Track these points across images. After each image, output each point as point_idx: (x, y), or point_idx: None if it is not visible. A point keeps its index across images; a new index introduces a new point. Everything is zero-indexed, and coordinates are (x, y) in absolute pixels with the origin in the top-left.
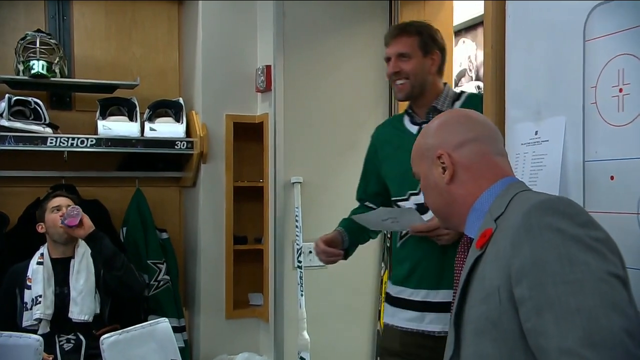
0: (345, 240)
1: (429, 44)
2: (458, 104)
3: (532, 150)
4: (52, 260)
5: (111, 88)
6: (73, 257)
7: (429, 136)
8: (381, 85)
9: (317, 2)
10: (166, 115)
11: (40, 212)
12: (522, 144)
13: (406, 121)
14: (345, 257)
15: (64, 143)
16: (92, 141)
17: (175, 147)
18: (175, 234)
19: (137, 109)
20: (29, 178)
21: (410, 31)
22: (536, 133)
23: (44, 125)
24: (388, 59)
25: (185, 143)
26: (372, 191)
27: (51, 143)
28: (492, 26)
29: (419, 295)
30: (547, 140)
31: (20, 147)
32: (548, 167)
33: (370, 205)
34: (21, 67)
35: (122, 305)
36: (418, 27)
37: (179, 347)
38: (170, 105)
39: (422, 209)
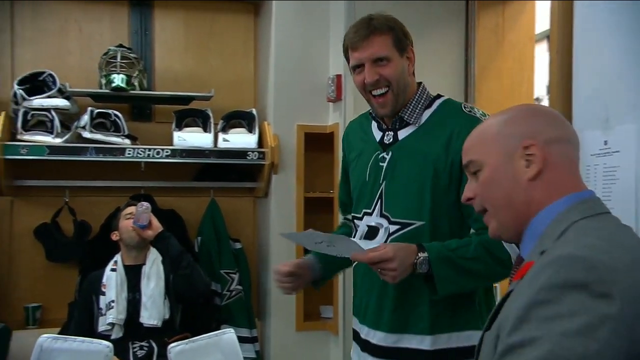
0: (316, 269)
1: (403, 39)
2: (429, 111)
3: (602, 162)
4: (125, 267)
5: (187, 100)
6: (144, 263)
7: (513, 122)
8: (458, 93)
9: (389, 10)
10: (239, 126)
11: (115, 221)
12: (591, 155)
13: (373, 125)
14: (316, 285)
15: (140, 154)
16: (167, 152)
17: (247, 157)
18: (249, 244)
19: (212, 120)
20: (110, 188)
21: (381, 28)
22: (605, 143)
23: (123, 137)
24: (357, 67)
25: (257, 154)
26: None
27: (129, 154)
28: (559, 29)
29: (362, 331)
30: (619, 151)
31: (100, 158)
32: (622, 180)
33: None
34: (103, 81)
35: (195, 314)
36: (386, 21)
37: (250, 358)
38: (243, 116)
39: (372, 232)
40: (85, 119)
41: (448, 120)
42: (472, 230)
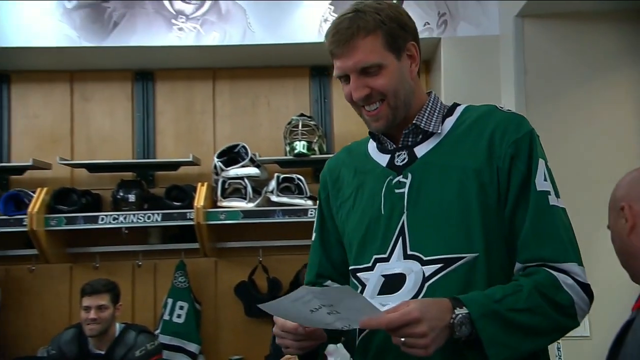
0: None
1: (399, 35)
2: (450, 120)
3: None
4: None
5: None
6: None
7: (619, 188)
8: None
9: (561, 56)
10: None
11: (302, 277)
12: None
13: (371, 149)
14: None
15: None
16: None
17: None
18: None
19: None
20: (297, 246)
21: (367, 27)
22: None
23: (305, 198)
24: (342, 77)
25: None
26: (338, 260)
27: (311, 214)
28: None
29: None
30: None
31: (287, 219)
32: None
33: (334, 285)
34: (287, 148)
35: None
36: (375, 13)
37: None
38: None
39: (394, 283)
40: (273, 184)
41: (483, 120)
42: (517, 265)
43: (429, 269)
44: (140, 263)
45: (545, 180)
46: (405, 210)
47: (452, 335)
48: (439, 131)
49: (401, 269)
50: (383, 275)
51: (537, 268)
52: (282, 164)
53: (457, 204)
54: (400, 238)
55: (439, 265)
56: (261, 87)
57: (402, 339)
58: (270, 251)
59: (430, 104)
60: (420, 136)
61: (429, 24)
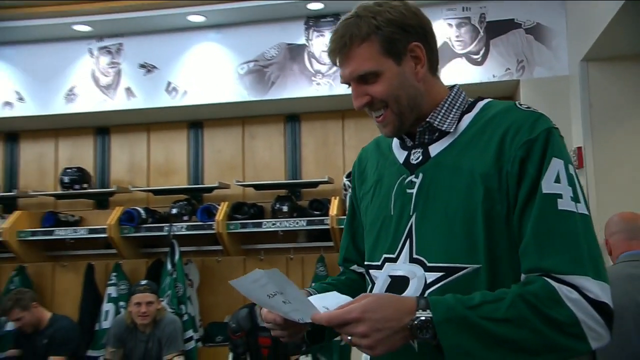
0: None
1: (398, 38)
2: (468, 117)
3: None
4: None
5: None
6: None
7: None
8: None
9: (622, 93)
10: None
11: None
12: None
13: (394, 144)
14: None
15: None
16: None
17: None
18: None
19: None
20: None
21: (360, 34)
22: None
23: None
24: (347, 83)
25: None
26: (362, 247)
27: None
28: None
29: None
30: None
31: None
32: None
33: (360, 270)
34: None
35: None
36: (372, 16)
37: None
38: None
39: (398, 286)
40: None
41: (498, 119)
42: (522, 277)
43: (431, 276)
44: (292, 257)
45: (557, 182)
46: (413, 212)
47: (414, 339)
48: (452, 129)
49: (406, 272)
50: (390, 276)
51: (537, 277)
52: None
53: (462, 211)
54: (408, 240)
55: (441, 274)
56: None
57: (349, 337)
58: None
59: (450, 100)
60: (437, 134)
61: (509, 69)
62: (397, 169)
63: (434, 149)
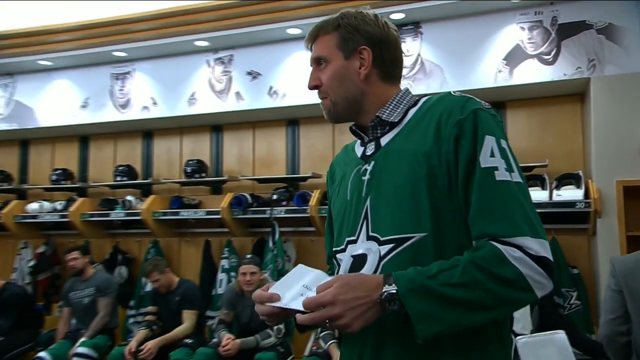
0: None
1: (352, 37)
2: (412, 110)
3: None
4: None
5: (529, 169)
6: None
7: None
8: None
9: None
10: (569, 184)
11: None
12: None
13: (356, 144)
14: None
15: None
16: None
17: (575, 206)
18: (585, 270)
19: (547, 181)
20: None
21: (327, 27)
22: None
23: None
24: (311, 66)
25: (583, 204)
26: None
27: None
28: None
29: None
30: None
31: None
32: None
33: None
34: None
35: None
36: (339, 18)
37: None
38: (572, 177)
39: (359, 263)
40: None
41: (435, 106)
42: (473, 242)
43: (384, 249)
44: None
45: (492, 156)
46: (367, 195)
47: (385, 311)
48: (397, 120)
49: (364, 250)
50: (352, 256)
51: (484, 242)
52: None
53: (409, 188)
54: (365, 221)
55: (392, 245)
56: None
57: (327, 322)
58: None
59: (397, 98)
60: (387, 127)
61: (580, 67)
62: (355, 162)
63: (384, 140)
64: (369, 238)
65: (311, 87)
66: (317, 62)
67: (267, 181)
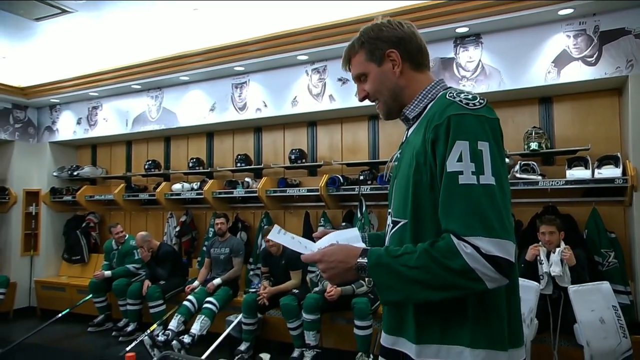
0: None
1: (377, 47)
2: (429, 105)
3: None
4: None
5: (574, 151)
6: None
7: None
8: None
9: None
10: (609, 164)
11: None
12: None
13: None
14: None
15: (548, 184)
16: (562, 182)
17: (614, 182)
18: (622, 235)
19: (590, 162)
20: (529, 203)
21: (354, 48)
22: None
23: (537, 175)
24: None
25: (621, 180)
26: None
27: (541, 185)
28: None
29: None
30: None
31: (525, 187)
32: None
33: None
34: (525, 146)
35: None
36: (360, 36)
37: (625, 305)
38: (611, 158)
39: (389, 229)
40: (517, 167)
41: (433, 106)
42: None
43: (391, 225)
44: None
45: (459, 160)
46: (393, 179)
47: (359, 276)
48: (415, 115)
49: (389, 222)
50: (388, 224)
51: (446, 235)
52: (523, 155)
53: (405, 179)
54: (390, 199)
55: (393, 224)
56: (509, 111)
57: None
58: (512, 206)
59: (423, 93)
60: (411, 121)
61: (619, 67)
62: (403, 145)
63: (409, 132)
64: (389, 214)
65: (361, 99)
66: (358, 79)
67: (354, 165)
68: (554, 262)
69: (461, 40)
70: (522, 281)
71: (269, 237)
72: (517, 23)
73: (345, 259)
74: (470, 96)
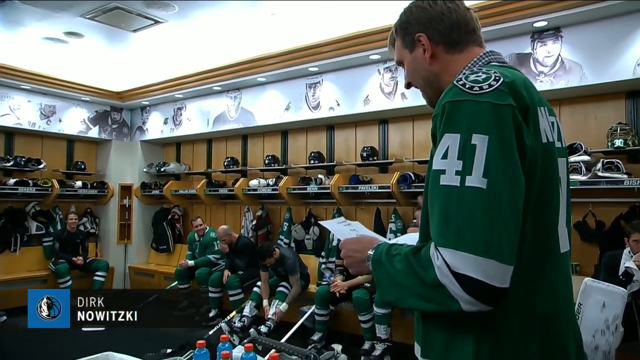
0: None
1: (407, 31)
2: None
3: None
4: None
5: None
6: None
7: None
8: None
9: None
10: None
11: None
12: None
13: None
14: None
15: (635, 183)
16: None
17: None
18: None
19: None
20: (613, 203)
21: (393, 34)
22: None
23: (623, 173)
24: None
25: None
26: None
27: (627, 183)
28: None
29: None
30: None
31: (609, 187)
32: None
33: None
34: (609, 144)
35: None
36: (395, 25)
37: None
38: None
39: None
40: (599, 165)
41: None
42: None
43: None
44: None
45: (444, 157)
46: None
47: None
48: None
49: None
50: None
51: (430, 242)
52: (605, 152)
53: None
54: None
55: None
56: (591, 107)
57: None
58: (594, 205)
59: (456, 78)
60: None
61: None
62: None
63: None
64: None
65: (406, 87)
66: (400, 66)
67: (425, 162)
68: None
69: (539, 35)
70: (607, 286)
71: (321, 222)
72: (602, 14)
73: (360, 249)
74: (483, 76)
